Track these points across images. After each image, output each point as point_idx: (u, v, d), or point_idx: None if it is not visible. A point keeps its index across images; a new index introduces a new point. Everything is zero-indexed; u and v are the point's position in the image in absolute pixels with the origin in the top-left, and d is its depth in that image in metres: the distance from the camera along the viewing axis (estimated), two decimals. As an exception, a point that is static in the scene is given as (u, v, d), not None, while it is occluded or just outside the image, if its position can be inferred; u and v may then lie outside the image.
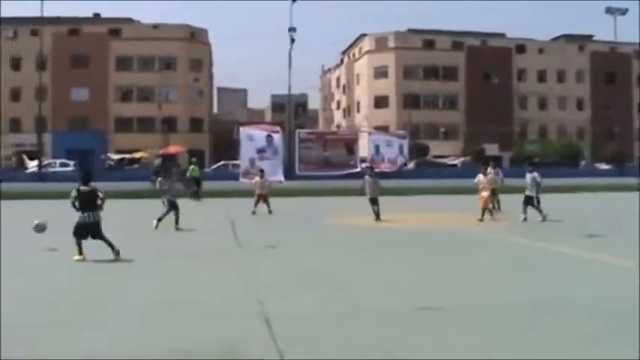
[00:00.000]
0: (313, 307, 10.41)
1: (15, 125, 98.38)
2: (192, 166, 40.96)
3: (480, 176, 25.54)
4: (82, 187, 15.83)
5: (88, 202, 15.67)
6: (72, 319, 9.79)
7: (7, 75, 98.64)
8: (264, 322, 9.29)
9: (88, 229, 15.58)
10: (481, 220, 24.15)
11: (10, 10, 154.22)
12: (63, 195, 16.53)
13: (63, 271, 14.21)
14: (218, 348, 8.11)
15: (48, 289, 12.23)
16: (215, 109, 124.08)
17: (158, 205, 30.45)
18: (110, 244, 15.49)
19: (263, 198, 28.87)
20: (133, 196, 38.77)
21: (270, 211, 28.34)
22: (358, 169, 55.53)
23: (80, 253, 15.40)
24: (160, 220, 22.53)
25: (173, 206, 22.97)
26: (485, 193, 24.81)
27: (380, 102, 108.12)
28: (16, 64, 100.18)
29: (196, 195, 38.22)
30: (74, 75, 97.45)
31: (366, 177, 26.19)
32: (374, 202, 25.07)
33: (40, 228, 17.92)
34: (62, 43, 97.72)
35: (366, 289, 11.91)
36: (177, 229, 22.29)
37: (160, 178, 24.47)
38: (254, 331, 8.86)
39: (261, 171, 31.76)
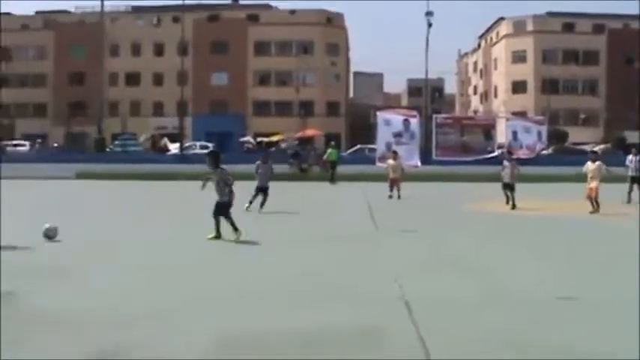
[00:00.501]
0: (452, 291, 10.39)
1: (158, 109, 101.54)
2: (330, 150, 41.31)
3: (588, 164, 23.59)
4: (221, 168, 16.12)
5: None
6: (213, 297, 10.14)
7: (151, 60, 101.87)
8: (403, 305, 9.36)
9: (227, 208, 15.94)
10: (592, 212, 22.53)
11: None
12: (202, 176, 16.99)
13: (200, 251, 14.68)
14: (359, 330, 8.22)
15: (188, 266, 12.69)
16: (351, 93, 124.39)
17: (294, 188, 30.96)
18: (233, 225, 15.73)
19: (396, 182, 28.74)
20: (271, 178, 39.39)
21: (399, 197, 28.00)
22: (496, 155, 54.75)
23: (217, 231, 15.71)
24: (250, 202, 22.50)
25: (260, 191, 22.98)
26: (593, 184, 22.85)
27: (518, 87, 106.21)
28: (159, 50, 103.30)
29: (332, 179, 38.57)
30: (214, 60, 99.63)
31: (505, 162, 25.67)
32: (509, 187, 24.30)
33: (50, 233, 15.68)
34: (202, 30, 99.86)
35: (504, 276, 11.84)
36: (245, 210, 21.92)
37: (258, 161, 24.36)
38: (394, 314, 8.93)
39: (395, 153, 31.41)
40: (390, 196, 27.99)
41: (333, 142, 44.16)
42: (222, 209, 15.84)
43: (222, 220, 15.77)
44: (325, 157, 41.81)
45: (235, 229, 15.60)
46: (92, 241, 15.83)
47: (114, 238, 16.46)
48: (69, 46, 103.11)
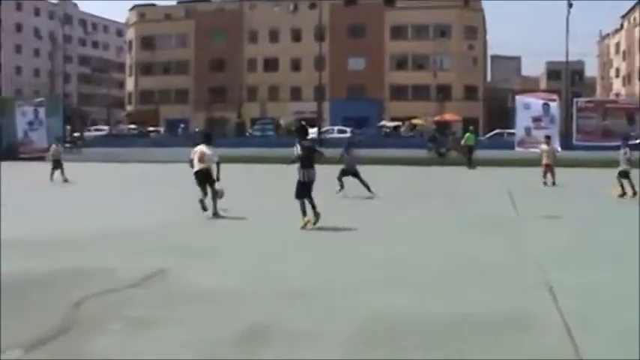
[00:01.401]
0: (596, 280, 10.27)
1: (296, 94, 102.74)
2: (467, 134, 41.04)
3: None
4: (306, 143, 15.90)
5: (308, 161, 15.65)
6: (360, 279, 10.34)
7: (288, 46, 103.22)
8: (548, 292, 9.33)
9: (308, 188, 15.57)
10: None
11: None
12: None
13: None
14: (505, 316, 8.27)
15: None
16: (489, 77, 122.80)
17: (432, 172, 30.88)
18: (313, 206, 15.48)
19: (549, 168, 27.87)
20: (409, 162, 39.61)
21: (554, 183, 27.16)
22: (638, 141, 53.09)
23: (304, 214, 15.44)
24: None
25: (347, 174, 22.71)
26: None
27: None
28: (296, 36, 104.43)
29: (470, 163, 38.35)
30: (351, 45, 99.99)
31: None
32: (624, 174, 22.90)
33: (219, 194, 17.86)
34: (339, 14, 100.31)
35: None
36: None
37: (342, 150, 23.88)
38: (539, 301, 8.92)
39: (548, 137, 30.43)
40: (545, 183, 27.33)
41: (472, 127, 43.80)
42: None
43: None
44: (463, 141, 41.56)
45: (304, 213, 15.44)
46: (238, 222, 16.43)
47: (259, 219, 16.98)
48: (209, 33, 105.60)
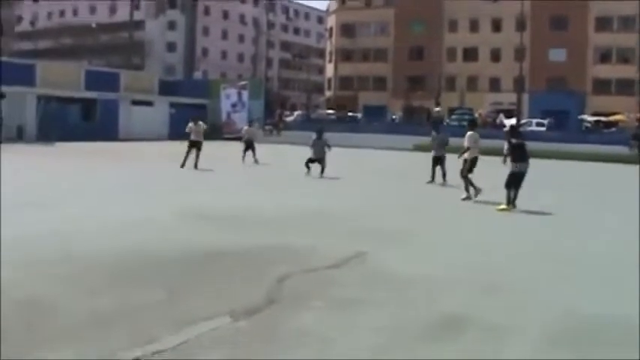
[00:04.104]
0: None
1: (494, 84, 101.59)
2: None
3: None
4: (515, 141, 17.31)
5: (520, 155, 17.17)
6: (548, 275, 10.40)
7: (488, 36, 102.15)
8: None
9: (520, 179, 17.04)
10: None
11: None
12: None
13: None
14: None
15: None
16: None
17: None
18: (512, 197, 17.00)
19: None
20: (608, 159, 38.55)
21: None
22: None
23: (508, 203, 16.91)
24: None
25: (312, 161, 25.28)
26: None
27: None
28: (496, 26, 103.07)
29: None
30: (552, 36, 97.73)
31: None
32: None
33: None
34: (541, 5, 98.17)
35: None
36: None
37: (313, 137, 25.99)
38: None
39: None
40: None
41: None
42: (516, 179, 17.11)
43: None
44: None
45: (508, 202, 16.95)
46: (437, 208, 16.68)
47: (452, 207, 17.16)
48: (409, 22, 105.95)
